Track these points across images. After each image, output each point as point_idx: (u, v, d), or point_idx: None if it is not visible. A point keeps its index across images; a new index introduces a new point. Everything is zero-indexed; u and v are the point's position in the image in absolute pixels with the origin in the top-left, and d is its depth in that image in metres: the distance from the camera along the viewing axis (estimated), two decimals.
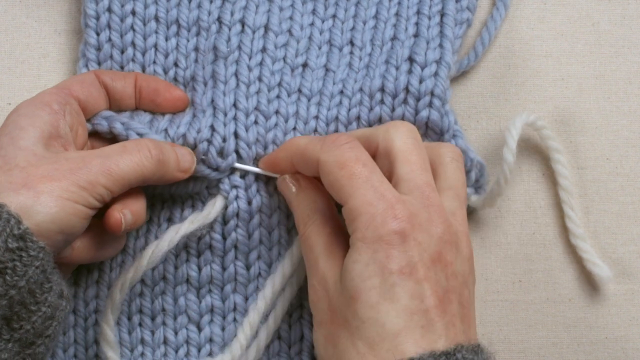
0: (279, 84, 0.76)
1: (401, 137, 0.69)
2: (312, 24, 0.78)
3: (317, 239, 0.69)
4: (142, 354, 0.76)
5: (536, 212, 0.80)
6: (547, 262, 0.80)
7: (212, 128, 0.75)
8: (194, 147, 0.74)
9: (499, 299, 0.79)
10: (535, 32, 0.83)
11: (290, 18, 0.78)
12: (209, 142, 0.74)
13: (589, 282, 0.80)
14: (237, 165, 0.75)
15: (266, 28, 0.77)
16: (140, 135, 0.74)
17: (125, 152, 0.70)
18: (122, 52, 0.77)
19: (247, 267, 0.75)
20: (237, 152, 0.75)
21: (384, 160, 0.69)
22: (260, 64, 0.77)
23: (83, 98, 0.73)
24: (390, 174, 0.69)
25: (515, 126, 0.76)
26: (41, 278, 0.65)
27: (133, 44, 0.77)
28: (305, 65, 0.77)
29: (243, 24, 0.77)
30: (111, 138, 0.75)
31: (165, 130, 0.75)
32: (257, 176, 0.75)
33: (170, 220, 0.76)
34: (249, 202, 0.75)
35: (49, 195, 0.66)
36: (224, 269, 0.75)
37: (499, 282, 0.79)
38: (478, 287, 0.79)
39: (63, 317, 0.68)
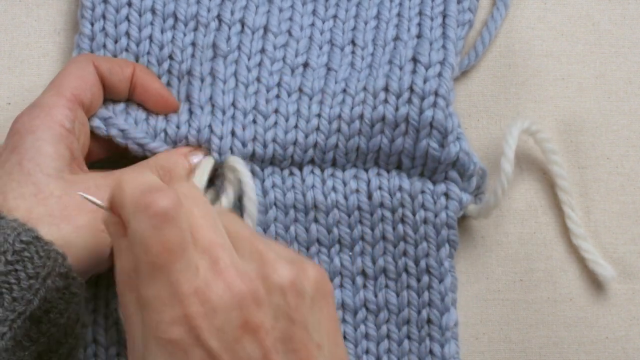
0: (278, 84, 0.76)
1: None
2: (312, 25, 0.78)
3: (134, 312, 0.60)
4: None
5: (537, 211, 0.80)
6: (548, 262, 0.80)
7: (210, 128, 0.75)
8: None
9: (500, 298, 0.79)
10: (535, 32, 0.83)
11: (290, 19, 0.78)
12: (209, 141, 0.75)
13: (590, 282, 0.79)
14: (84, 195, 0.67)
15: (265, 29, 0.77)
16: (141, 145, 0.74)
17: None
18: (116, 41, 0.77)
19: None
20: (231, 149, 0.75)
21: None
22: (259, 65, 0.77)
23: (87, 102, 0.72)
24: None
25: (512, 135, 0.76)
26: (76, 313, 0.65)
27: (127, 34, 0.77)
28: (306, 64, 0.77)
29: (243, 24, 0.77)
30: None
31: (165, 130, 0.75)
32: (252, 174, 0.75)
33: None
34: (239, 199, 0.75)
35: (86, 228, 0.66)
36: None
37: (499, 282, 0.79)
38: (479, 286, 0.79)
39: (82, 344, 0.68)
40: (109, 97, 0.75)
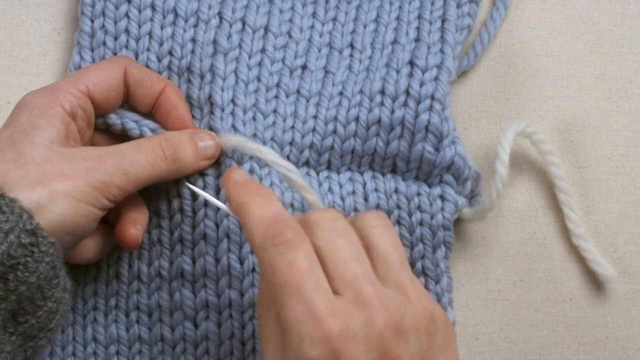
0: (277, 85, 0.77)
1: (321, 234, 0.63)
2: (312, 27, 0.78)
3: (272, 333, 0.63)
4: (140, 352, 0.76)
5: (537, 211, 0.80)
6: (548, 262, 0.80)
7: (210, 127, 0.75)
8: None
9: (500, 298, 0.79)
10: (535, 32, 0.83)
11: (290, 20, 0.78)
12: None
13: (590, 282, 0.79)
14: (191, 186, 0.73)
15: (266, 29, 0.78)
16: (132, 131, 0.74)
17: (140, 151, 0.70)
18: (115, 38, 0.77)
19: (241, 261, 0.75)
20: None
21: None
22: (259, 64, 0.77)
23: (98, 101, 0.72)
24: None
25: (506, 138, 0.76)
26: (51, 274, 0.65)
27: (127, 30, 0.77)
28: (304, 67, 0.77)
29: (244, 22, 0.77)
30: (106, 128, 0.75)
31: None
32: (251, 172, 0.75)
33: (158, 215, 0.76)
34: None
35: (64, 195, 0.65)
36: (217, 260, 0.75)
37: (499, 282, 0.79)
38: (479, 286, 0.79)
39: (66, 310, 0.68)
40: (132, 106, 0.75)
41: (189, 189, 0.74)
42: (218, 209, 0.74)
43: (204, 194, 0.72)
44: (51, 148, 0.67)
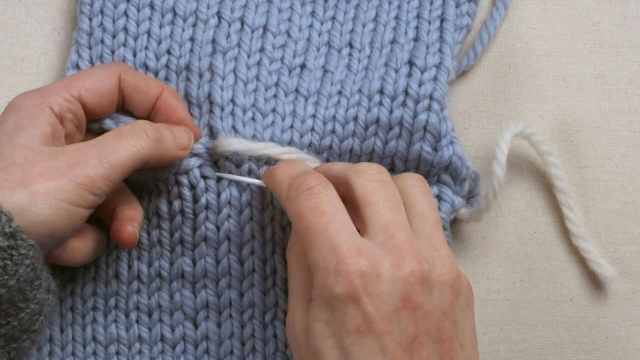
0: (276, 84, 0.77)
1: (364, 182, 0.66)
2: (310, 26, 0.78)
3: (296, 271, 0.67)
4: (140, 352, 0.76)
5: (537, 211, 0.80)
6: (548, 262, 0.79)
7: (210, 126, 0.75)
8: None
9: (500, 298, 0.79)
10: (535, 32, 0.83)
11: (289, 19, 0.78)
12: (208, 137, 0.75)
13: (590, 282, 0.79)
14: (222, 174, 0.75)
15: (265, 28, 0.78)
16: None
17: (121, 136, 0.69)
18: (114, 36, 0.77)
19: (241, 262, 0.75)
20: None
21: (352, 205, 0.66)
22: (258, 63, 0.77)
23: (90, 106, 0.72)
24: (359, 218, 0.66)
25: (504, 140, 0.76)
26: (31, 276, 0.64)
27: (125, 29, 0.77)
28: (303, 66, 0.77)
29: (242, 22, 0.77)
30: (102, 133, 0.74)
31: None
32: (249, 173, 0.75)
33: (158, 215, 0.76)
34: (240, 194, 0.75)
35: (45, 196, 0.65)
36: (217, 262, 0.75)
37: (499, 282, 0.79)
38: (479, 286, 0.79)
39: (50, 311, 0.68)
40: (129, 111, 0.75)
41: (221, 177, 0.75)
42: (219, 211, 0.74)
43: (236, 177, 0.74)
44: (33, 148, 0.67)
